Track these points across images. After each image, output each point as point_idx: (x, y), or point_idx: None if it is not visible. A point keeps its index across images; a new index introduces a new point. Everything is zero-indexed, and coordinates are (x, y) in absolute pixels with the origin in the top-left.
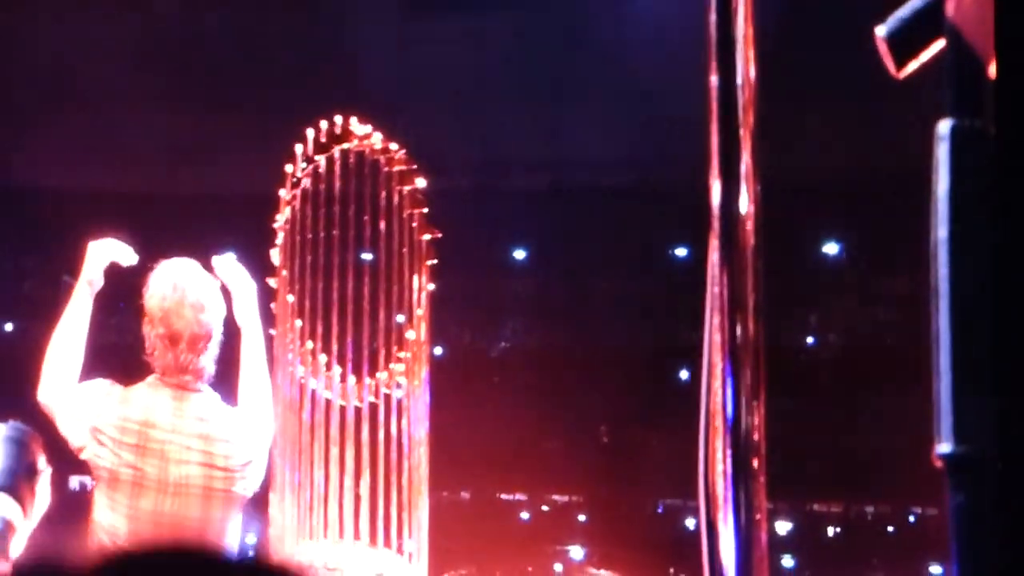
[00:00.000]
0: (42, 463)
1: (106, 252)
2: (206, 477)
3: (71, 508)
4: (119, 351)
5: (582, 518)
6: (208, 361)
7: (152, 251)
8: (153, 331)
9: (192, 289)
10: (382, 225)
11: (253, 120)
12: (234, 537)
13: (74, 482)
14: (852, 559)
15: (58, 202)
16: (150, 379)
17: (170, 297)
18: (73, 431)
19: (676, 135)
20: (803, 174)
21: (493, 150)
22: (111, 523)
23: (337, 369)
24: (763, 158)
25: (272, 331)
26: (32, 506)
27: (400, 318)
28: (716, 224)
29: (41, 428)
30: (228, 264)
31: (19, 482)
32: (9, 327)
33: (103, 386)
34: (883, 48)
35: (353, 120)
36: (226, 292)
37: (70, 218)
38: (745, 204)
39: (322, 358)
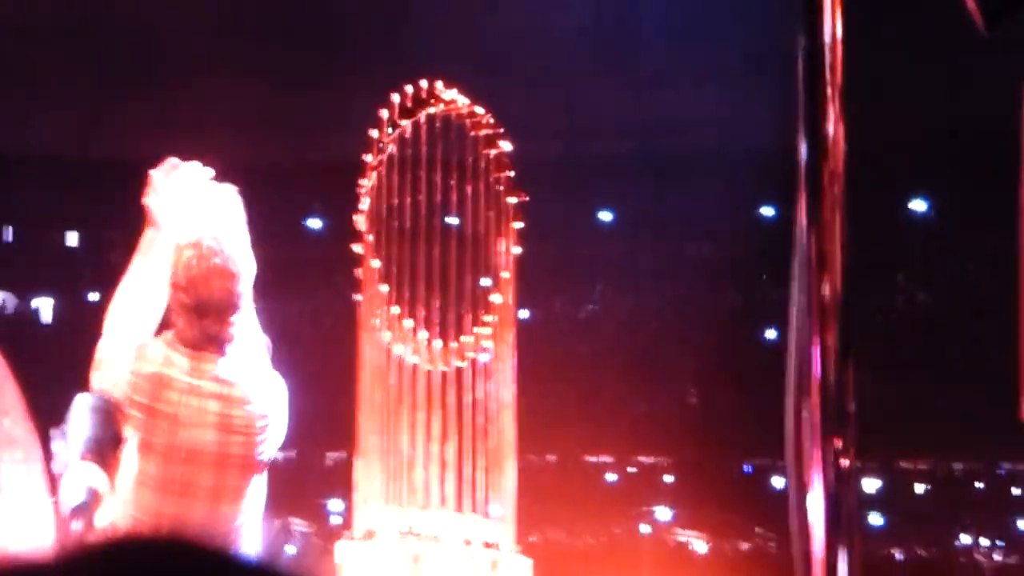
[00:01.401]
0: (127, 431)
1: (167, 180)
2: (222, 443)
3: None
4: None
5: (668, 479)
6: (237, 330)
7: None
8: (178, 300)
9: (221, 255)
10: (468, 189)
11: (338, 86)
12: (254, 505)
13: None
14: (941, 516)
15: (142, 174)
16: (168, 335)
17: (196, 265)
18: (93, 384)
19: (764, 96)
20: (891, 132)
21: (580, 113)
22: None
23: (423, 334)
24: (850, 117)
25: (358, 296)
26: (118, 476)
27: (486, 282)
28: (803, 184)
29: None
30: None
31: (105, 452)
32: (95, 297)
33: (120, 338)
34: (971, 6)
35: (438, 84)
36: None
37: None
38: (831, 163)
39: (408, 323)
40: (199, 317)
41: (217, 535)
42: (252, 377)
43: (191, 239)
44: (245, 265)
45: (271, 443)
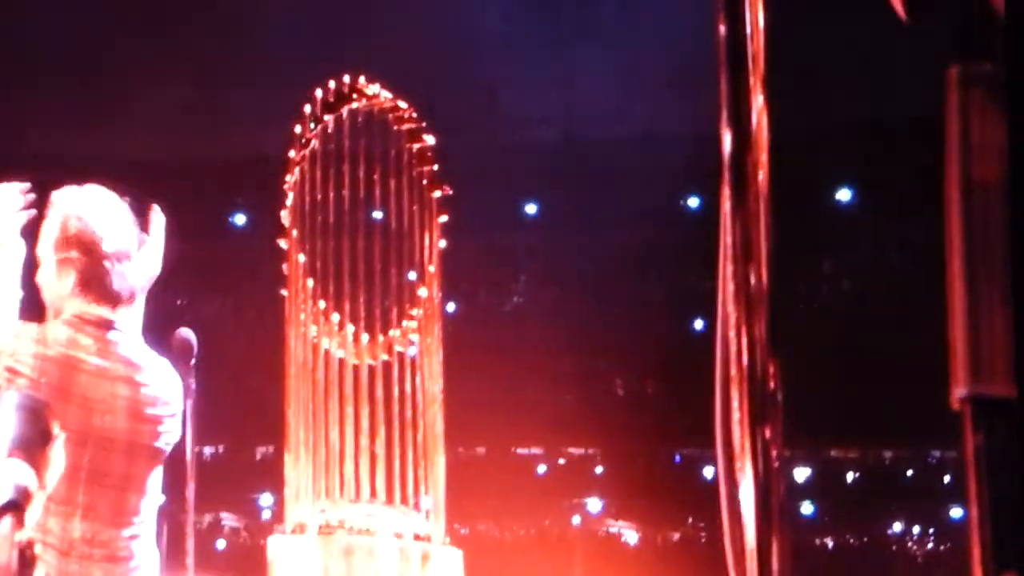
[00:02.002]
0: (56, 428)
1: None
2: (132, 430)
3: None
4: None
5: (599, 470)
6: (135, 310)
7: (166, 218)
8: (56, 267)
9: (97, 217)
10: (392, 184)
11: (261, 82)
12: (155, 497)
13: None
14: (871, 504)
15: (68, 170)
16: (67, 315)
17: (74, 226)
18: None
19: (686, 85)
20: (815, 121)
21: (502, 104)
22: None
23: (350, 328)
24: (774, 107)
25: (283, 292)
26: (47, 473)
27: (412, 276)
28: (727, 174)
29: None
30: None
31: (34, 449)
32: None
33: (13, 325)
34: None
35: (361, 79)
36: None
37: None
38: (755, 153)
39: (335, 317)
40: (90, 290)
41: (124, 525)
42: (155, 361)
43: (63, 205)
44: (126, 226)
45: (174, 432)
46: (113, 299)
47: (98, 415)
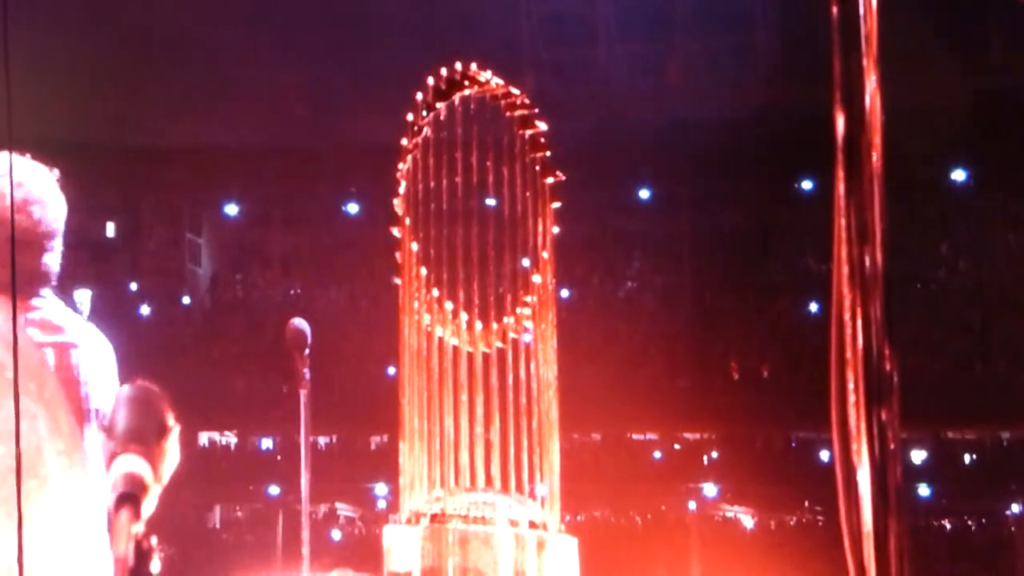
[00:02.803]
0: (171, 420)
1: None
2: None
3: (200, 465)
4: None
5: (714, 455)
6: (51, 267)
7: (274, 205)
8: None
9: (25, 184)
10: (504, 170)
11: (373, 70)
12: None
13: (203, 438)
14: (989, 485)
15: (178, 162)
16: None
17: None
18: None
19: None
20: (929, 101)
21: (614, 89)
22: None
23: (464, 316)
24: (887, 87)
25: (397, 280)
26: (163, 465)
27: (526, 262)
28: (840, 156)
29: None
30: None
31: (149, 441)
32: (134, 287)
33: None
34: None
35: (472, 66)
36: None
37: (196, 175)
38: (869, 134)
39: (448, 305)
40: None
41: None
42: (84, 326)
43: None
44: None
45: (102, 396)
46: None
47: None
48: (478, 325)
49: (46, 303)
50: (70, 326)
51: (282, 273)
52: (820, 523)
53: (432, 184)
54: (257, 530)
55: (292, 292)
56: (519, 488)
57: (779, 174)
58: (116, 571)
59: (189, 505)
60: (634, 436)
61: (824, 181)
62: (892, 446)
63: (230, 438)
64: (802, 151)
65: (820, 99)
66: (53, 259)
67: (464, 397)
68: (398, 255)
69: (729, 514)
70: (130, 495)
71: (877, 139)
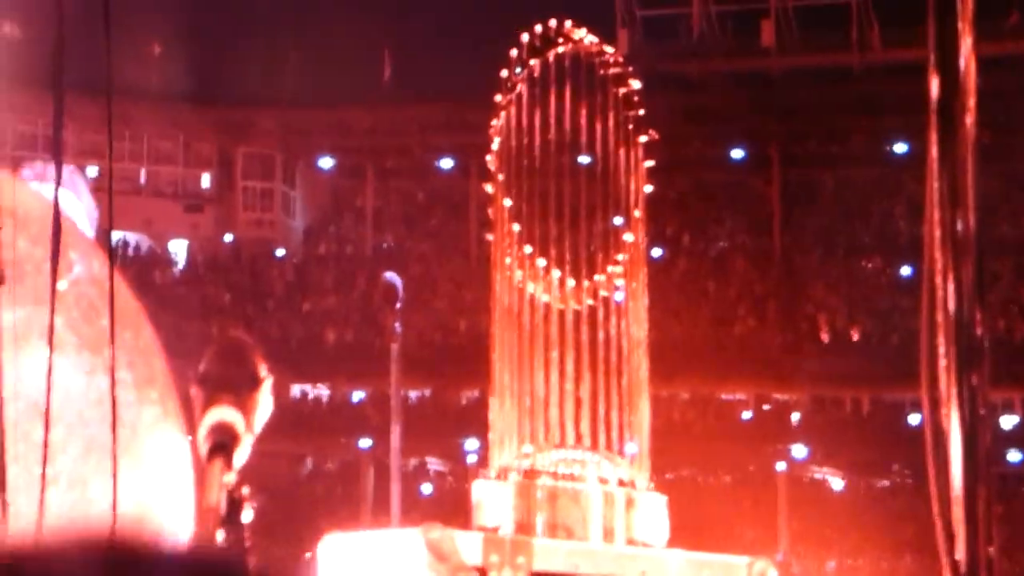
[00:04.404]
0: (263, 371)
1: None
2: None
3: (291, 417)
4: None
5: (803, 416)
6: None
7: (366, 158)
8: None
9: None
10: (598, 128)
11: (466, 30)
12: None
13: (295, 390)
14: None
15: (265, 120)
16: None
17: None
18: None
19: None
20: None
21: (708, 49)
22: None
23: (556, 273)
24: (982, 51)
25: (490, 236)
26: (255, 415)
27: (618, 220)
28: (934, 119)
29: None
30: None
31: (242, 391)
32: (229, 239)
33: None
34: None
35: (567, 24)
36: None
37: (290, 129)
38: (963, 98)
39: (541, 262)
40: None
41: None
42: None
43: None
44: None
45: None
46: None
47: None
48: (570, 282)
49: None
50: None
51: (375, 227)
52: (909, 486)
53: (526, 141)
54: (347, 482)
55: (384, 246)
56: (608, 446)
57: (873, 135)
58: (208, 520)
59: (281, 456)
60: (723, 396)
61: (918, 143)
62: (982, 410)
63: (322, 390)
64: (898, 112)
65: (917, 62)
66: None
67: (555, 354)
68: (491, 211)
69: (818, 476)
70: (222, 445)
71: (971, 102)
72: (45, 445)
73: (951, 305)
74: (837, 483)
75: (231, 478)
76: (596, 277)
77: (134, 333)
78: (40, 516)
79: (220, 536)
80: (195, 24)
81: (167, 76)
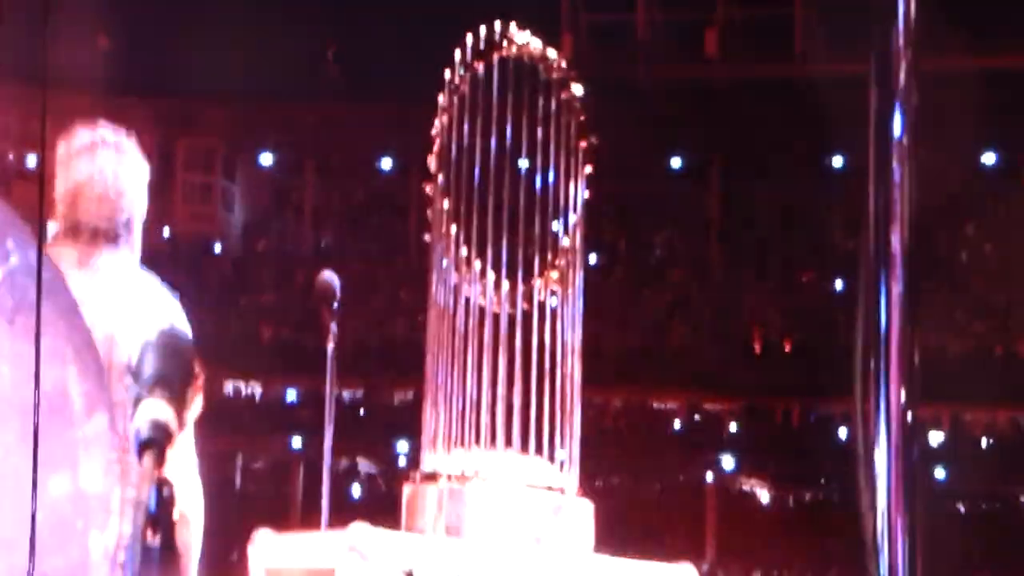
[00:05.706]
0: (197, 367)
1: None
2: None
3: (223, 413)
4: None
5: (734, 427)
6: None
7: (307, 155)
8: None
9: (111, 172)
10: (539, 132)
11: (411, 29)
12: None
13: (228, 387)
14: (1005, 469)
15: (219, 107)
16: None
17: (82, 181)
18: None
19: (838, 42)
20: (963, 85)
21: (650, 56)
22: None
23: (491, 275)
24: (920, 70)
25: (427, 237)
26: (188, 411)
27: (556, 225)
28: (872, 134)
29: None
30: None
31: (175, 387)
32: (166, 231)
33: None
34: None
35: (511, 26)
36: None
37: (231, 122)
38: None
39: (477, 264)
40: (73, 238)
41: None
42: (152, 283)
43: (78, 150)
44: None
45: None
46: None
47: None
48: (506, 285)
49: (115, 256)
50: (137, 284)
51: (314, 225)
52: (836, 500)
53: (467, 143)
54: (278, 482)
55: (323, 244)
56: (539, 451)
57: (809, 149)
58: (137, 516)
59: (211, 454)
60: (655, 405)
61: (857, 158)
62: (910, 426)
63: (255, 388)
64: (835, 127)
65: (855, 76)
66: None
67: (488, 357)
68: (430, 212)
69: (746, 487)
70: (154, 441)
71: (910, 120)
72: None
73: (882, 321)
74: (764, 495)
75: (162, 474)
76: (532, 281)
77: (68, 324)
78: None
79: (149, 533)
80: (140, 17)
81: (109, 66)
